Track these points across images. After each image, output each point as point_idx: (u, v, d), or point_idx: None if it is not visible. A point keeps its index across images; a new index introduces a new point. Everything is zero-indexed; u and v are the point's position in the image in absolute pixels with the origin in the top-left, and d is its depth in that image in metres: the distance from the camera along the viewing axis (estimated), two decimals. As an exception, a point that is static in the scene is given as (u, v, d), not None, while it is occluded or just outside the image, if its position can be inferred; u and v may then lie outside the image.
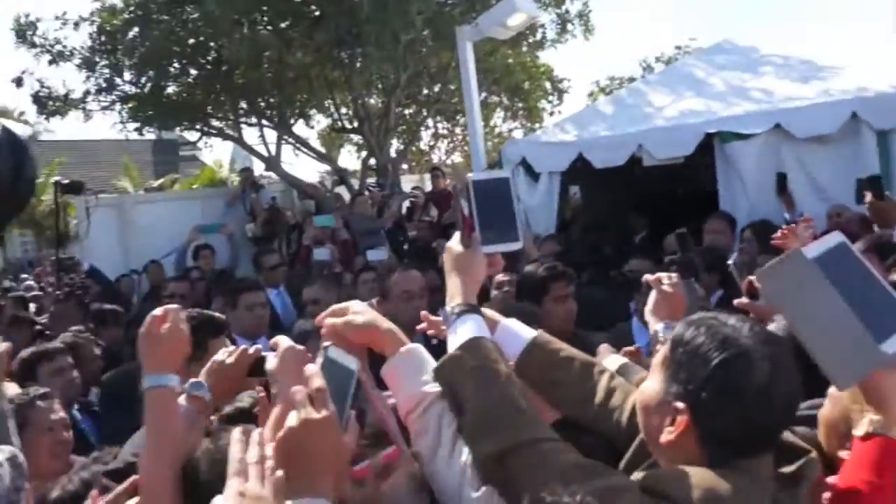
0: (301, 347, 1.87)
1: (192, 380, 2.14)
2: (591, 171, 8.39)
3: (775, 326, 2.27)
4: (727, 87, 8.79)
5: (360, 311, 1.86)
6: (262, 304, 4.86)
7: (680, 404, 1.48)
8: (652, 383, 1.59)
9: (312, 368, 1.43)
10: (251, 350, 2.24)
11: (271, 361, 1.69)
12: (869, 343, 1.47)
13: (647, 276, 2.69)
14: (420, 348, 1.78)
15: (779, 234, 3.58)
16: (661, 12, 64.49)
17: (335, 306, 1.92)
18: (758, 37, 10.04)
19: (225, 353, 2.23)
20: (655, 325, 2.52)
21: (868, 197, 5.29)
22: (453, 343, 1.72)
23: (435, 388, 1.70)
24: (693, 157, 8.18)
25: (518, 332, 1.97)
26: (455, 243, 1.84)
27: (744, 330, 1.50)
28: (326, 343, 1.57)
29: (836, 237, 1.68)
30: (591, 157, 8.37)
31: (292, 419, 1.34)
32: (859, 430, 1.56)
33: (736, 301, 2.77)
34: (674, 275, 2.70)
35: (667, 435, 1.50)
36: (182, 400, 2.06)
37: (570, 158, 8.49)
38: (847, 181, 6.50)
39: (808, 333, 1.54)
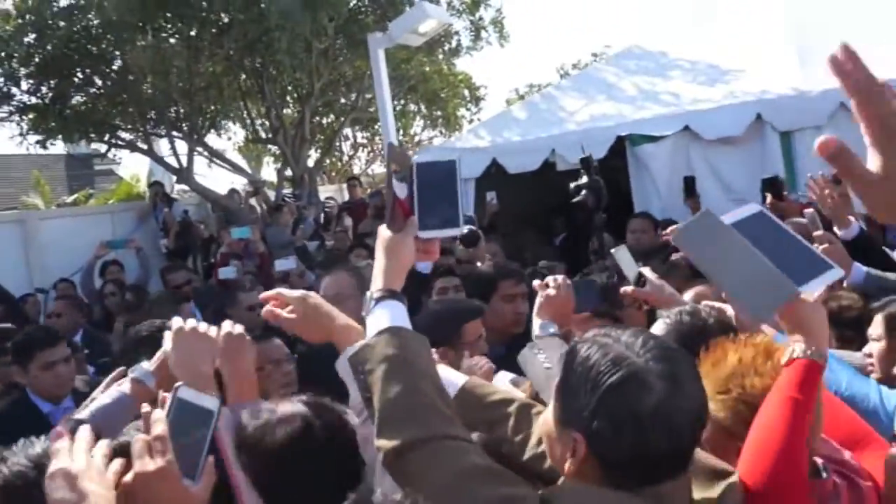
0: (240, 329, 2.06)
1: (142, 365, 2.12)
2: (507, 176, 8.38)
3: (663, 319, 2.25)
4: (637, 91, 8.93)
5: (319, 304, 1.95)
6: (63, 359, 4.06)
7: (576, 434, 1.39)
8: (550, 410, 1.51)
9: (157, 414, 1.36)
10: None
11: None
12: (782, 280, 1.67)
13: (536, 282, 2.74)
14: None
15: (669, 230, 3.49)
16: (576, 20, 65.74)
17: (281, 291, 2.02)
18: (668, 42, 10.23)
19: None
20: (535, 325, 2.61)
21: (769, 198, 5.40)
22: (370, 329, 1.64)
23: None
24: (607, 159, 8.25)
25: (449, 380, 1.85)
26: (385, 227, 1.76)
27: (636, 346, 1.41)
28: (178, 383, 1.49)
29: (753, 207, 1.84)
30: (505, 163, 8.38)
31: (129, 473, 1.29)
32: (784, 359, 1.67)
33: (622, 289, 2.77)
34: (560, 277, 2.73)
35: (569, 465, 1.42)
36: (126, 386, 2.06)
37: (484, 164, 8.48)
38: (754, 180, 6.61)
39: (725, 280, 1.76)
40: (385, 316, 1.63)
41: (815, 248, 1.84)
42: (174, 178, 12.88)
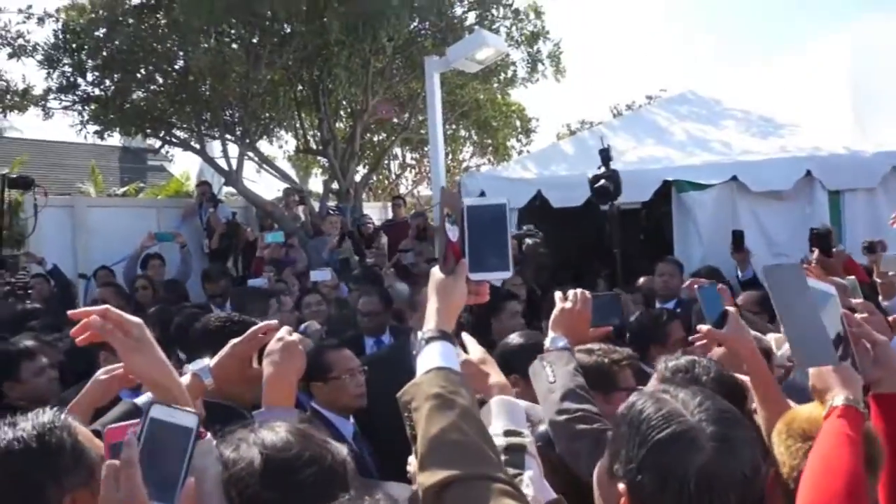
0: (296, 337, 2.15)
1: (203, 360, 2.20)
2: (549, 210, 8.36)
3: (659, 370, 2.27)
4: (687, 137, 8.89)
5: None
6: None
7: (621, 486, 1.40)
8: (603, 459, 1.53)
9: (130, 437, 1.29)
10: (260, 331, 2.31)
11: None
12: (830, 351, 1.85)
13: (557, 294, 2.72)
14: None
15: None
16: (633, 62, 65.64)
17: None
18: (723, 90, 10.19)
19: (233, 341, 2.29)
20: (547, 337, 2.60)
21: (816, 253, 5.33)
22: (420, 368, 1.64)
23: None
24: (653, 203, 8.23)
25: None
26: (438, 269, 1.78)
27: (691, 404, 1.42)
28: (151, 401, 1.46)
29: (830, 288, 2.01)
30: (550, 196, 8.38)
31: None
32: (825, 411, 1.76)
33: (698, 326, 2.68)
34: (579, 291, 2.69)
35: None
36: (185, 378, 2.08)
37: (529, 195, 8.48)
38: (798, 237, 6.55)
39: (790, 325, 1.93)
40: (435, 355, 1.63)
41: (853, 350, 1.94)
42: (222, 179, 13.06)
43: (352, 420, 3.62)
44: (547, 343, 2.61)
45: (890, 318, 3.25)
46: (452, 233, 1.76)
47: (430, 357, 1.64)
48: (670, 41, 70.49)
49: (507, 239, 1.74)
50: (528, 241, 5.14)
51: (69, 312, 1.94)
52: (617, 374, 2.69)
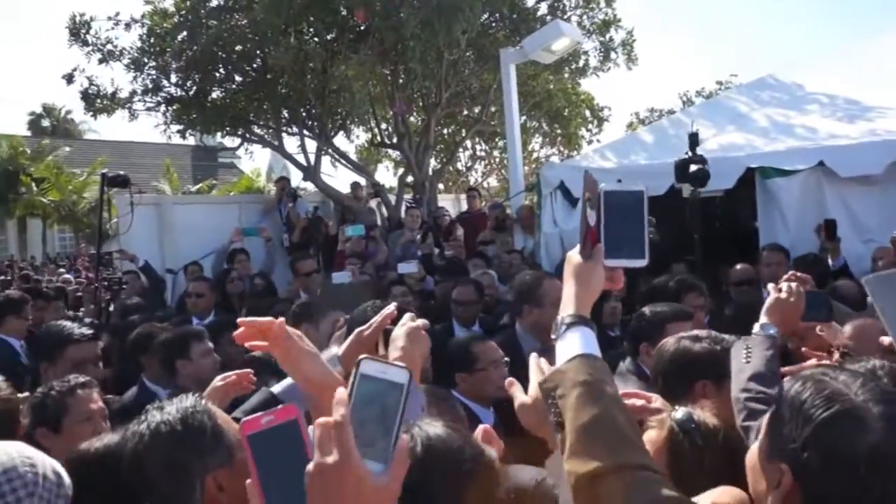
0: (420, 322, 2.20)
1: (331, 349, 2.27)
2: (629, 199, 8.32)
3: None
4: (770, 123, 8.73)
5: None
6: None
7: (783, 465, 1.40)
8: (759, 442, 1.52)
9: (340, 395, 1.23)
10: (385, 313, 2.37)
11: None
12: None
13: (770, 286, 2.80)
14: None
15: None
16: (703, 46, 64.32)
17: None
18: (805, 75, 9.98)
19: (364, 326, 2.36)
20: (758, 323, 2.65)
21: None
22: (561, 354, 1.64)
23: None
24: (733, 191, 8.11)
25: None
26: (576, 253, 1.78)
27: (855, 385, 1.40)
28: (362, 356, 1.38)
29: None
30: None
31: (310, 464, 1.19)
32: None
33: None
34: (794, 284, 2.76)
35: (772, 499, 1.42)
36: None
37: (609, 186, 8.44)
38: (889, 223, 6.41)
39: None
40: (577, 341, 1.62)
41: None
42: (298, 175, 13.36)
43: (492, 410, 3.75)
44: (756, 328, 2.66)
45: None
46: (592, 218, 1.74)
47: (572, 344, 1.62)
48: (739, 27, 68.77)
49: (645, 226, 1.72)
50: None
51: (240, 320, 2.04)
52: (728, 360, 2.73)
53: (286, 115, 12.62)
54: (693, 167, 6.04)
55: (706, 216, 9.82)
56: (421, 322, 2.24)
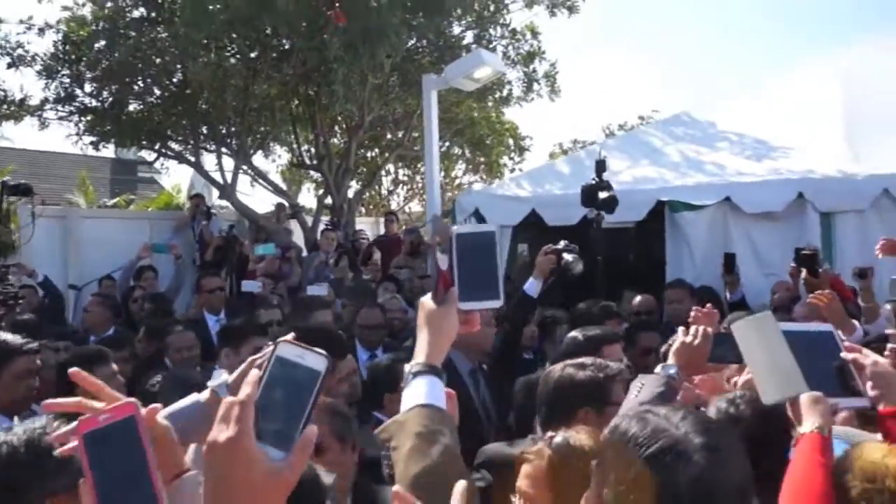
0: None
1: (223, 374, 2.02)
2: (543, 229, 8.41)
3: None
4: (682, 158, 8.99)
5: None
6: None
7: None
8: (590, 489, 1.51)
9: (252, 375, 1.19)
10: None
11: None
12: (799, 381, 2.02)
13: (680, 329, 2.81)
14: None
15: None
16: (626, 83, 66.13)
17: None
18: (717, 113, 10.32)
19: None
20: (661, 364, 2.70)
21: (804, 273, 5.41)
22: (404, 403, 1.59)
23: None
24: (646, 223, 8.30)
25: None
26: (428, 299, 1.73)
27: (675, 418, 1.41)
28: (281, 339, 1.31)
29: (827, 327, 2.25)
30: (544, 214, 8.44)
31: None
32: (797, 436, 1.96)
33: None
34: (703, 327, 2.78)
35: None
36: (204, 394, 1.96)
37: (523, 213, 8.55)
38: (790, 258, 6.62)
39: (756, 365, 2.14)
40: (421, 390, 1.58)
41: (857, 378, 2.10)
42: (215, 192, 13.12)
43: None
44: (658, 368, 2.70)
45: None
46: (443, 262, 1.75)
47: (416, 393, 1.58)
48: (662, 63, 71.01)
49: (497, 267, 1.69)
50: (567, 256, 5.16)
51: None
52: (611, 388, 2.77)
53: (205, 131, 12.40)
54: (602, 194, 6.13)
55: (620, 247, 10.06)
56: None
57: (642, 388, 2.55)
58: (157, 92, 12.16)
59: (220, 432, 1.12)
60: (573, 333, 3.87)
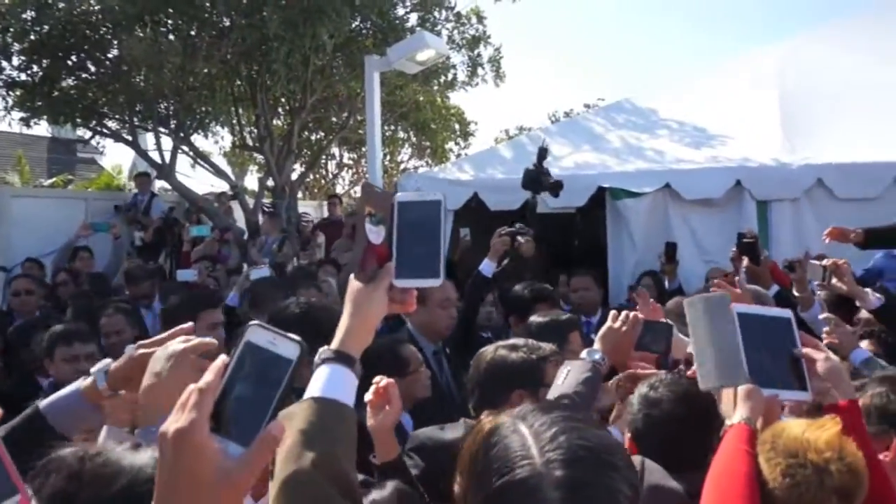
0: None
1: (106, 361, 1.88)
2: (485, 213, 8.38)
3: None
4: (623, 144, 9.03)
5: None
6: None
7: None
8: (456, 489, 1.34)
9: (218, 362, 1.11)
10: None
11: None
12: (741, 371, 2.02)
13: (612, 312, 2.80)
14: None
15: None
16: (573, 70, 66.67)
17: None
18: (659, 100, 10.39)
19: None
20: (588, 349, 2.67)
21: (745, 261, 5.45)
22: (308, 389, 1.44)
23: None
24: (590, 209, 8.32)
25: None
26: (354, 278, 1.55)
27: (544, 438, 1.18)
28: (253, 322, 1.21)
29: (786, 313, 2.19)
30: (486, 199, 8.40)
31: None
32: (726, 426, 1.99)
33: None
34: (632, 313, 2.78)
35: None
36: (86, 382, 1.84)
37: (465, 198, 8.50)
38: (728, 244, 6.69)
39: (701, 347, 2.09)
40: (322, 380, 1.43)
41: (805, 370, 2.07)
42: (155, 173, 12.79)
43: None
44: (584, 353, 2.67)
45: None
46: (375, 234, 1.52)
47: (317, 382, 1.44)
48: (610, 51, 71.73)
49: (440, 242, 1.51)
50: (520, 238, 5.15)
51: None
52: (544, 370, 2.73)
53: (141, 109, 12.06)
54: (548, 179, 6.14)
55: (564, 232, 10.09)
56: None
57: (568, 374, 2.52)
58: (92, 68, 11.74)
59: (173, 422, 1.04)
60: (536, 318, 3.83)
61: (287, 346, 1.15)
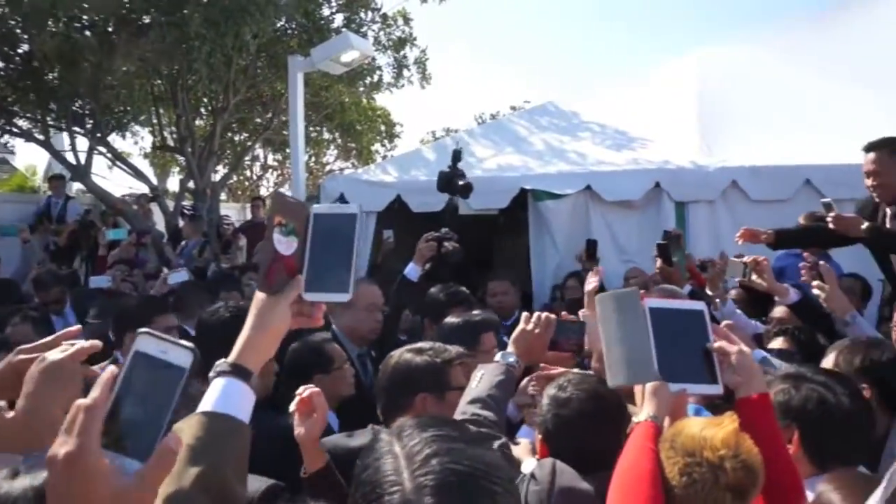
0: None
1: None
2: (408, 215, 8.36)
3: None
4: (545, 147, 9.12)
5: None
6: None
7: None
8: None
9: (106, 374, 1.05)
10: None
11: None
12: (651, 368, 2.01)
13: (524, 314, 2.78)
14: None
15: None
16: (499, 73, 67.29)
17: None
18: (581, 103, 10.54)
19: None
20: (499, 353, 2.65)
21: (658, 262, 5.55)
22: (202, 403, 1.38)
23: None
24: (513, 211, 8.37)
25: None
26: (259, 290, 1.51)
27: (417, 459, 1.13)
28: (141, 329, 1.16)
29: (699, 305, 2.18)
30: (409, 201, 8.39)
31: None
32: (633, 422, 2.03)
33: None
34: (544, 314, 2.76)
35: None
36: None
37: (388, 199, 8.47)
38: (647, 245, 6.81)
39: (612, 345, 2.07)
40: (215, 394, 1.37)
41: (717, 364, 2.06)
42: (69, 175, 12.37)
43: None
44: (497, 356, 2.66)
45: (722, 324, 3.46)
46: (285, 245, 1.47)
47: (210, 395, 1.37)
48: (537, 55, 72.61)
49: (352, 257, 1.49)
50: (447, 244, 5.14)
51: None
52: (449, 373, 2.73)
53: (54, 108, 11.65)
54: (460, 181, 6.16)
55: (487, 234, 10.14)
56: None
57: (482, 378, 2.52)
58: (1, 63, 11.29)
59: (61, 444, 0.99)
60: (449, 319, 3.79)
61: (179, 353, 1.12)
